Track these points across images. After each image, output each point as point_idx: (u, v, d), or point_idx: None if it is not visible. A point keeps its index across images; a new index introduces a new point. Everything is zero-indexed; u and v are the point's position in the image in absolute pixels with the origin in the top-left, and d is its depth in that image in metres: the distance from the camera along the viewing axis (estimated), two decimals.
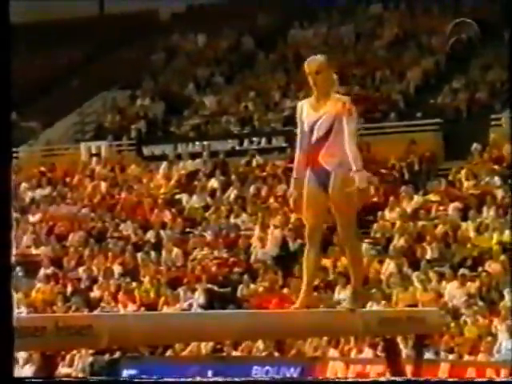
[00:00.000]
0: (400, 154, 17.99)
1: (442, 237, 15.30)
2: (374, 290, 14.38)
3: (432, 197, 16.45)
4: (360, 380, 6.07)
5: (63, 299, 16.02)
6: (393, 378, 6.08)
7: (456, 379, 6.20)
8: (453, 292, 14.06)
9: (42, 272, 16.98)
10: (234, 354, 14.14)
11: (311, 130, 5.88)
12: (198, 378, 10.12)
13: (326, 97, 5.90)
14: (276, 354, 14.00)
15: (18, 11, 28.67)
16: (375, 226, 16.28)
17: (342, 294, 14.64)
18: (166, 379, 4.68)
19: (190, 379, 5.23)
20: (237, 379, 5.15)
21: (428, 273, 14.47)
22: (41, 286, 16.60)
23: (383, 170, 17.75)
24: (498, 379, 8.47)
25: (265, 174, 18.32)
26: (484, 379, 8.30)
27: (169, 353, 14.52)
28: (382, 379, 5.63)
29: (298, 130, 6.03)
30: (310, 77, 5.94)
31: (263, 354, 13.99)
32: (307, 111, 5.92)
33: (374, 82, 20.82)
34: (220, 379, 5.08)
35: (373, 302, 14.14)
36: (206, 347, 14.26)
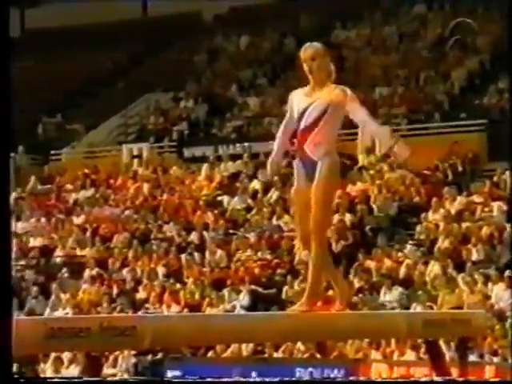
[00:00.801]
0: (443, 154, 17.86)
1: (487, 238, 15.15)
2: (419, 292, 14.29)
3: (476, 198, 16.30)
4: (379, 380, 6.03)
5: (108, 300, 16.13)
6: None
7: (463, 379, 6.10)
8: (499, 294, 13.92)
9: (87, 273, 17.11)
10: (275, 355, 14.13)
11: (300, 117, 5.65)
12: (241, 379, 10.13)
13: (321, 85, 5.67)
14: (317, 355, 13.96)
15: (63, 15, 29.03)
16: (419, 227, 16.17)
17: (387, 296, 14.57)
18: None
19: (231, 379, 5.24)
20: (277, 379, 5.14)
21: (474, 275, 14.33)
22: (86, 287, 16.73)
23: (426, 171, 17.63)
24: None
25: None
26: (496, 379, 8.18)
27: (210, 354, 14.55)
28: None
29: (287, 116, 5.80)
30: (306, 64, 5.74)
31: (305, 355, 13.96)
32: (299, 98, 5.71)
33: (418, 83, 20.69)
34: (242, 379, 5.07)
35: (417, 303, 14.05)
36: (246, 348, 14.27)
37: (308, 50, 5.77)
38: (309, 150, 5.66)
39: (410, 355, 13.24)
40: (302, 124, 5.67)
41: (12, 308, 4.04)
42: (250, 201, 18.21)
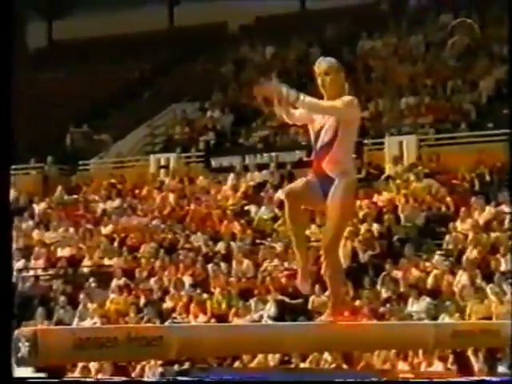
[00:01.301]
0: (471, 164, 17.77)
1: None
2: (447, 303, 14.19)
3: (505, 208, 16.19)
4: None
5: (136, 310, 16.17)
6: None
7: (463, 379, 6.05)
8: None
9: (114, 283, 17.17)
10: (302, 365, 14.09)
11: (317, 136, 5.79)
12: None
13: (334, 100, 5.77)
14: (344, 366, 13.90)
15: (90, 26, 29.24)
16: (447, 237, 16.08)
17: (415, 307, 14.49)
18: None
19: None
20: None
21: (502, 285, 14.22)
22: (114, 296, 16.78)
23: (454, 181, 17.55)
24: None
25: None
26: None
27: (237, 364, 14.53)
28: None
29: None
30: (320, 78, 5.84)
31: (331, 366, 13.91)
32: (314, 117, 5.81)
33: (445, 92, 20.61)
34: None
35: (445, 314, 13.96)
36: (273, 358, 14.24)
37: (322, 64, 5.90)
38: (328, 169, 5.77)
39: (437, 366, 13.15)
40: (319, 143, 5.79)
41: (13, 308, 4.07)
42: (276, 210, 18.20)
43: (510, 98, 14.48)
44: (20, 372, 4.47)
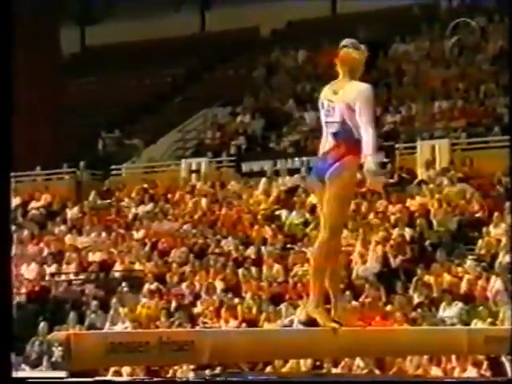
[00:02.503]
0: (504, 168, 17.61)
1: None
2: (480, 308, 14.08)
3: None
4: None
5: (167, 315, 16.20)
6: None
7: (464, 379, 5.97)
8: None
9: (146, 287, 17.22)
10: (334, 371, 14.04)
11: (326, 121, 5.77)
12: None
13: (349, 79, 5.79)
14: (376, 371, 13.83)
15: (122, 31, 29.40)
16: (480, 242, 15.96)
17: (447, 312, 14.39)
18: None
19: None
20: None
21: None
22: (145, 301, 16.83)
23: (487, 185, 17.42)
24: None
25: (364, 189, 18.17)
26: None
27: (268, 369, 14.50)
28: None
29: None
30: (340, 56, 5.84)
31: (364, 371, 13.84)
32: (326, 97, 5.81)
33: (477, 96, 20.47)
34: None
35: (478, 319, 13.85)
36: (305, 364, 14.20)
37: (347, 44, 5.84)
38: (331, 154, 5.70)
39: (470, 372, 13.04)
40: (328, 129, 5.76)
41: (12, 309, 4.08)
42: (307, 215, 18.16)
43: (511, 101, 14.43)
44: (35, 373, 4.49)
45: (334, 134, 5.72)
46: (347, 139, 5.67)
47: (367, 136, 5.59)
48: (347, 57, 5.81)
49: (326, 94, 5.85)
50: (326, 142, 5.78)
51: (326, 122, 5.79)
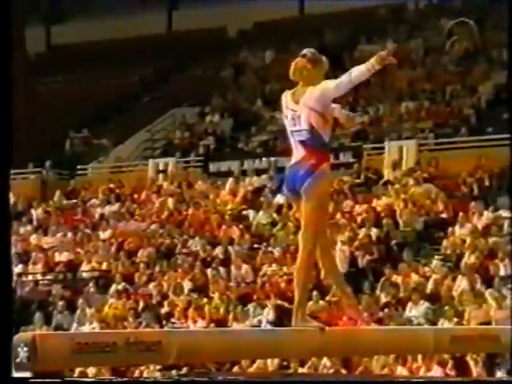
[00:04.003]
0: (470, 169, 17.77)
1: None
2: (446, 308, 14.18)
3: (503, 213, 16.18)
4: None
5: (134, 315, 16.14)
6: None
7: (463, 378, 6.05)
8: None
9: (113, 288, 17.15)
10: (301, 370, 14.07)
11: (292, 130, 5.76)
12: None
13: (306, 87, 5.81)
14: (343, 371, 13.88)
15: (89, 31, 29.25)
16: (445, 242, 16.07)
17: (414, 311, 14.47)
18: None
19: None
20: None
21: (502, 290, 14.21)
22: (113, 301, 16.76)
23: (451, 186, 17.56)
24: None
25: (331, 189, 18.24)
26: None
27: (235, 369, 14.50)
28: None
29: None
30: (300, 66, 5.93)
31: (330, 371, 13.89)
32: (288, 106, 5.79)
33: (444, 97, 20.62)
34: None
35: (444, 319, 13.94)
36: (272, 363, 14.22)
37: (307, 54, 5.98)
38: (301, 162, 5.69)
39: (436, 371, 13.13)
40: (294, 138, 5.76)
41: (12, 308, 4.06)
42: (275, 215, 18.19)
43: (510, 103, 14.59)
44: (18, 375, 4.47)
45: (303, 143, 5.69)
46: (317, 146, 5.65)
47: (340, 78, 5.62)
48: (304, 67, 5.83)
49: (287, 103, 5.80)
50: (295, 152, 5.74)
51: (293, 131, 5.75)
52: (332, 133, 5.78)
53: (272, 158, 20.14)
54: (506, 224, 15.85)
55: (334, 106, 5.70)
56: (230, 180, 19.80)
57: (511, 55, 11.03)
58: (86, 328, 15.93)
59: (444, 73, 21.32)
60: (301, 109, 5.68)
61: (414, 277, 15.18)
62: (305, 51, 5.91)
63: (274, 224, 17.93)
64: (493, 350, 6.55)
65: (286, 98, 5.80)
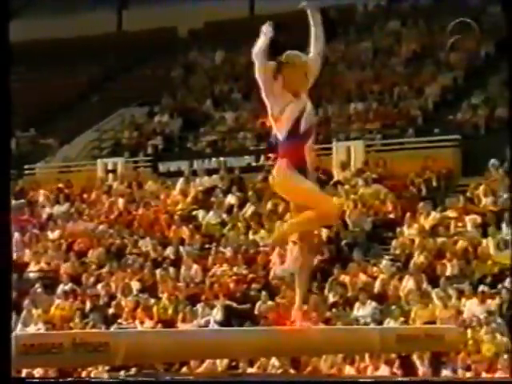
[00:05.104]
0: (418, 170, 17.95)
1: (461, 253, 15.22)
2: (393, 307, 14.31)
3: (450, 213, 16.38)
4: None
5: (81, 316, 16.03)
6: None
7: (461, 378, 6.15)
8: (472, 309, 13.97)
9: (60, 288, 17.01)
10: (250, 370, 14.10)
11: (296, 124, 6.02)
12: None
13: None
14: (292, 371, 13.94)
15: (37, 28, 28.95)
16: (394, 242, 16.22)
17: (361, 311, 14.58)
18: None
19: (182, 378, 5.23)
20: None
21: (447, 290, 14.39)
22: (60, 302, 16.62)
23: (400, 186, 17.72)
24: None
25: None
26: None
27: (184, 369, 14.48)
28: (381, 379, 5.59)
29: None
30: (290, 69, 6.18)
31: (279, 371, 13.94)
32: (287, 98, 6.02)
33: (391, 98, 20.81)
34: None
35: (390, 319, 14.07)
36: (221, 364, 14.22)
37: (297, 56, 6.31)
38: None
39: (383, 370, 13.25)
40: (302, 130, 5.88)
41: (11, 308, 4.03)
42: (225, 215, 18.20)
43: (511, 100, 14.66)
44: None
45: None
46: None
47: None
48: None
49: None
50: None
51: None
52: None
53: (222, 158, 20.15)
54: (453, 224, 16.04)
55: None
56: (181, 180, 19.76)
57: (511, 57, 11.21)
58: (31, 329, 15.78)
59: (392, 74, 21.51)
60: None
61: (362, 277, 15.30)
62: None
63: (223, 224, 17.94)
64: (438, 349, 6.63)
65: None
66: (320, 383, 7.41)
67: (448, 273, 14.96)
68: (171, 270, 16.89)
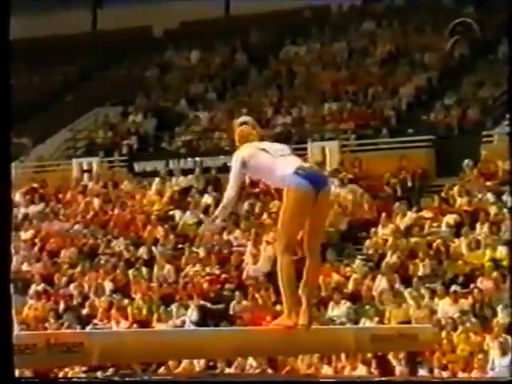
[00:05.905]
0: (392, 170, 18.02)
1: (434, 253, 15.29)
2: (367, 307, 14.35)
3: (425, 213, 16.45)
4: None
5: (55, 316, 15.95)
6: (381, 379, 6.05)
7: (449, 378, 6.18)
8: (445, 309, 14.04)
9: (33, 289, 16.91)
10: (228, 371, 14.09)
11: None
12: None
13: None
14: (269, 371, 13.94)
15: (12, 27, 28.66)
16: (368, 242, 16.27)
17: (335, 311, 14.61)
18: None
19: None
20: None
21: (420, 289, 14.45)
22: (32, 302, 16.53)
23: (375, 186, 17.77)
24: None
25: (257, 190, 18.32)
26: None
27: (161, 370, 14.45)
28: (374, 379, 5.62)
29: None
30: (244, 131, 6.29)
31: (256, 371, 13.94)
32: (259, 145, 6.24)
33: (366, 99, 20.87)
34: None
35: (365, 318, 14.11)
36: (199, 364, 14.21)
37: (249, 121, 6.33)
38: None
39: (361, 370, 13.28)
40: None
41: (12, 308, 4.00)
42: (201, 215, 18.17)
43: (511, 101, 14.70)
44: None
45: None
46: None
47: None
48: (250, 133, 6.27)
49: (258, 146, 6.28)
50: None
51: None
52: None
53: (197, 158, 20.12)
54: (427, 224, 16.12)
55: None
56: (156, 180, 19.71)
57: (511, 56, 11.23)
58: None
59: (366, 75, 21.57)
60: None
61: (335, 276, 15.33)
62: (245, 119, 6.33)
63: (200, 224, 17.91)
64: (412, 349, 6.65)
65: (250, 149, 6.24)
66: (298, 383, 7.42)
67: (420, 273, 15.02)
68: (144, 270, 16.85)
